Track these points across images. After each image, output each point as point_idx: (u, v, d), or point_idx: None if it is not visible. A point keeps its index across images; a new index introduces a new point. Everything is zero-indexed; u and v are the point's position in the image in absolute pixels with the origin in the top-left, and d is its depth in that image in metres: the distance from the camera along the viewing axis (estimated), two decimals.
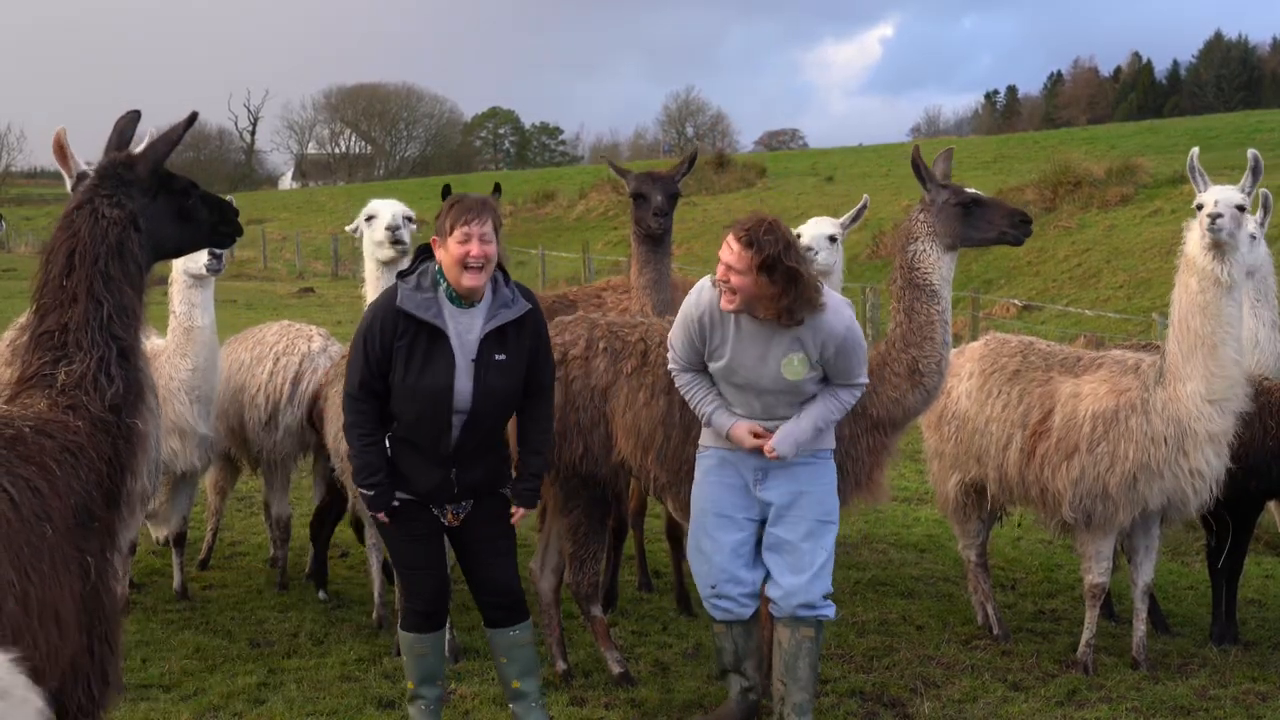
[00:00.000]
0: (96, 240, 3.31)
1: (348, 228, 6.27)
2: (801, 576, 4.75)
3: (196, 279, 6.19)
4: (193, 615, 6.53)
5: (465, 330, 4.41)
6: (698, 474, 4.97)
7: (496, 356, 4.42)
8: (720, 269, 4.57)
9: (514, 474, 4.71)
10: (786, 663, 4.83)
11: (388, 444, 4.51)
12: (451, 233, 4.35)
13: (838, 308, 4.70)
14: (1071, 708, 5.45)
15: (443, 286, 4.42)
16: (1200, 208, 5.52)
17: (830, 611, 4.84)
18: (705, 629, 6.47)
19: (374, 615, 6.38)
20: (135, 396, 3.35)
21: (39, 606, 2.98)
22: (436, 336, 4.39)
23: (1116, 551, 6.45)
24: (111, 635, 3.27)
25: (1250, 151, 6.69)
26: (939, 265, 5.19)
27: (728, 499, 4.87)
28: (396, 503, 4.52)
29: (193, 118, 3.54)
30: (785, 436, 4.72)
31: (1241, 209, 5.48)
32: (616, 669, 5.63)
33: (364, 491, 4.48)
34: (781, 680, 4.86)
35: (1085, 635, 5.95)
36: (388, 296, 4.47)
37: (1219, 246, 5.41)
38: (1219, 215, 5.40)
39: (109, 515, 3.29)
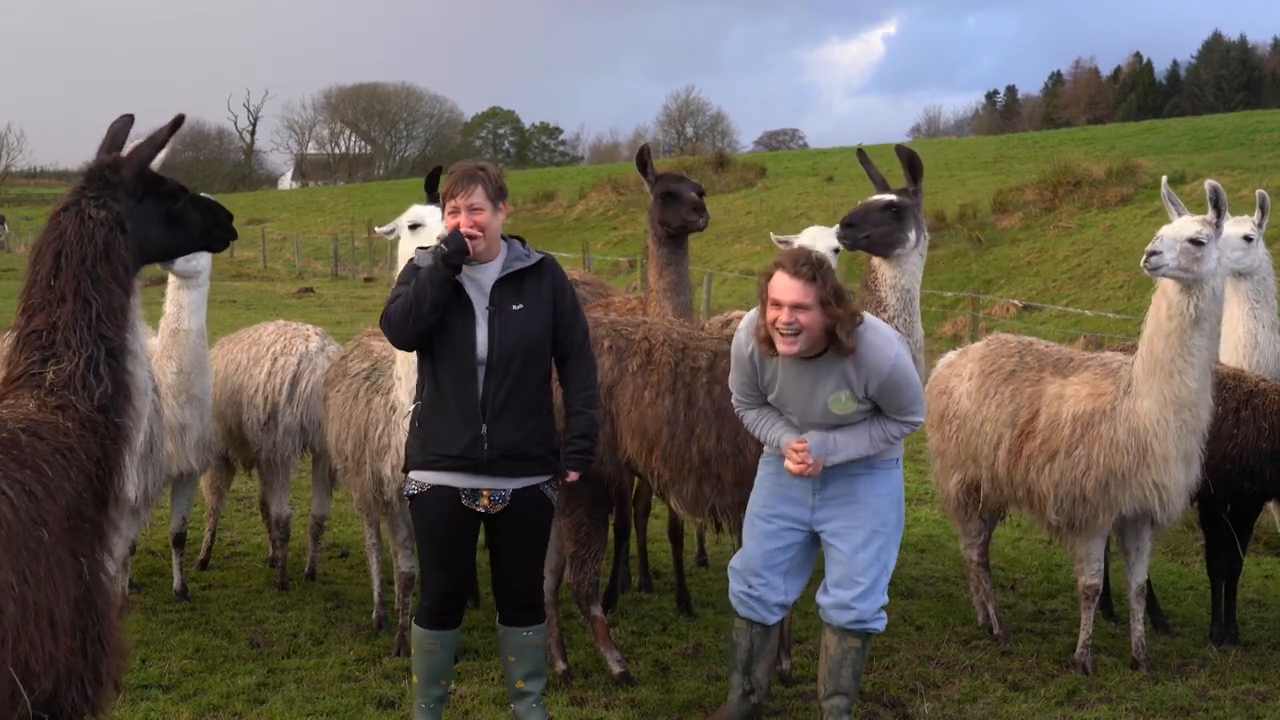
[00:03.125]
0: (83, 241, 3.30)
1: (380, 229, 5.96)
2: (851, 591, 4.70)
3: (184, 279, 6.16)
4: (192, 615, 6.53)
5: (482, 282, 4.52)
6: (758, 476, 4.94)
7: (514, 306, 4.49)
8: (784, 313, 4.42)
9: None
10: (830, 668, 4.82)
11: (420, 413, 4.57)
12: (445, 204, 4.51)
13: (881, 345, 4.54)
14: (1071, 708, 5.45)
15: None
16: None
17: (880, 625, 4.78)
18: (705, 629, 6.48)
19: (374, 615, 6.37)
20: (123, 397, 3.34)
21: (35, 609, 2.99)
22: (456, 289, 4.50)
23: (1115, 551, 6.45)
24: (105, 636, 3.26)
25: (1259, 191, 6.65)
26: (881, 268, 5.22)
27: (775, 505, 4.84)
28: (425, 488, 4.52)
29: (178, 121, 3.50)
30: (819, 440, 4.65)
31: (1196, 243, 5.31)
32: (616, 669, 5.63)
33: (438, 264, 4.41)
34: (824, 683, 4.87)
35: (1082, 636, 5.95)
36: (409, 265, 4.60)
37: (1180, 282, 5.36)
38: (1155, 253, 5.33)
39: (98, 515, 3.29)
